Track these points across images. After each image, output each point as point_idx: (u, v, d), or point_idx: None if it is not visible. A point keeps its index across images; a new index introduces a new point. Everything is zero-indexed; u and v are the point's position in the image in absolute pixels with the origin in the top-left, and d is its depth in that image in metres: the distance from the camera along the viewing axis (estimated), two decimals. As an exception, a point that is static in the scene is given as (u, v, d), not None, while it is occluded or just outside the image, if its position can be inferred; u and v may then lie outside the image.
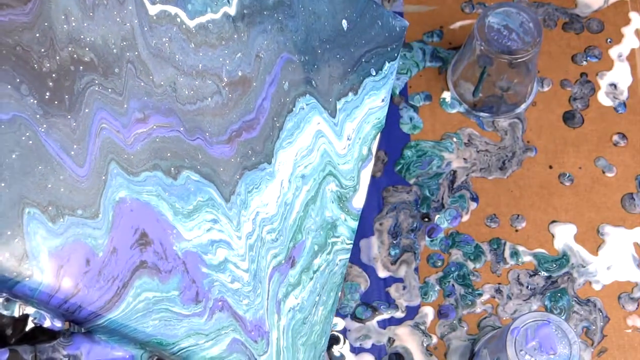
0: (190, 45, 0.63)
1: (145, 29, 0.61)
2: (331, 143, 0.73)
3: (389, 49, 0.80)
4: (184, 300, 0.60)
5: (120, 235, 0.56)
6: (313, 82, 0.72)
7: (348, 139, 0.75)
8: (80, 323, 0.55)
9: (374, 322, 0.84)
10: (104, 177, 0.56)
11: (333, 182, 0.73)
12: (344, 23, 0.76)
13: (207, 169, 0.63)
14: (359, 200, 0.76)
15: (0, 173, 0.51)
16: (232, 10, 0.67)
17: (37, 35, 0.54)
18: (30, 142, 0.52)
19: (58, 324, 0.54)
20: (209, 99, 0.64)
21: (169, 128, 0.61)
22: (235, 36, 0.67)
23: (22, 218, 0.51)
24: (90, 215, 0.55)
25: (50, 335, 0.56)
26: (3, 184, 0.51)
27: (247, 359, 0.63)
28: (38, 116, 0.53)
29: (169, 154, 0.61)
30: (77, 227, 0.54)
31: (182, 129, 0.62)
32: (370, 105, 0.77)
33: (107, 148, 0.57)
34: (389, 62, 0.80)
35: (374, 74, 0.78)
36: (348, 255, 0.75)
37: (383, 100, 0.79)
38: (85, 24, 0.57)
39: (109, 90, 0.58)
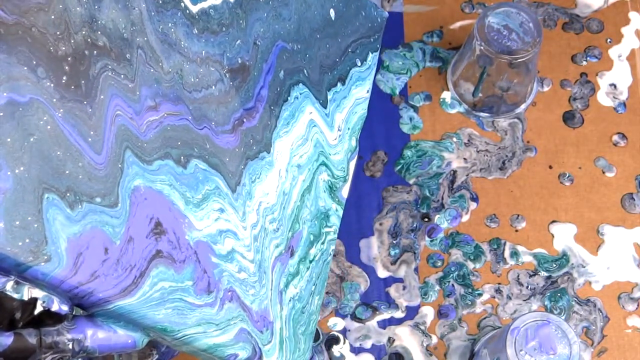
0: (193, 31, 0.63)
1: (153, 13, 0.60)
2: (323, 133, 0.73)
3: (371, 39, 0.80)
4: (197, 291, 0.59)
5: (136, 224, 0.56)
6: (305, 71, 0.72)
7: (339, 129, 0.75)
8: (86, 307, 0.55)
9: (374, 322, 0.84)
10: (120, 165, 0.55)
11: (325, 172, 0.73)
12: (332, 12, 0.75)
13: (215, 159, 0.62)
14: (346, 190, 0.76)
15: (20, 157, 0.50)
16: None
17: (53, 17, 0.53)
18: (48, 126, 0.51)
19: (65, 308, 0.53)
20: (213, 86, 0.64)
21: (179, 116, 0.60)
22: (235, 23, 0.66)
23: (41, 203, 0.50)
24: (109, 204, 0.54)
25: (55, 319, 0.55)
26: (22, 168, 0.50)
27: (252, 348, 0.63)
28: (55, 100, 0.52)
29: (179, 143, 0.60)
30: (95, 215, 0.53)
31: (190, 117, 0.61)
32: (357, 96, 0.77)
33: (122, 136, 0.56)
34: (372, 53, 0.80)
35: (359, 64, 0.78)
36: (334, 245, 0.75)
37: (368, 91, 0.79)
38: (96, 7, 0.56)
39: (122, 76, 0.57)
